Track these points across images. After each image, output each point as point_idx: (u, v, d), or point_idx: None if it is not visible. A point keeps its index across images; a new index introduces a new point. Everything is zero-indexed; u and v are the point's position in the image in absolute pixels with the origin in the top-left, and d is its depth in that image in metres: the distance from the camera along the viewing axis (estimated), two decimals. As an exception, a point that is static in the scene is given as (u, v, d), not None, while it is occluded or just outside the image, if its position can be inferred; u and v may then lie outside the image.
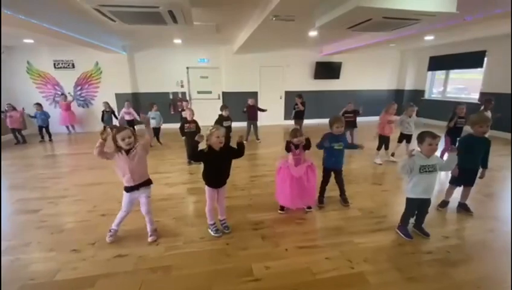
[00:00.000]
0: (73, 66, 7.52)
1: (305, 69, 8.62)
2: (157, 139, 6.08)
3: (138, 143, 2.29)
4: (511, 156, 4.73)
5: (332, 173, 3.05)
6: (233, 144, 2.48)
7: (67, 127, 7.61)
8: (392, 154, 4.74)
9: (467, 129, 2.99)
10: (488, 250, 2.29)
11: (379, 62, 8.98)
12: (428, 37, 5.88)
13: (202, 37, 6.25)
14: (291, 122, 6.70)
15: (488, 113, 4.55)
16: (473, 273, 2.01)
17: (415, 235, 2.47)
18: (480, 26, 4.83)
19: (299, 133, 2.68)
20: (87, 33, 5.00)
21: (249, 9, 4.03)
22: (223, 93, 8.43)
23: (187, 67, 8.15)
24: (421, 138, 2.28)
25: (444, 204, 3.00)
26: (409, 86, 9.20)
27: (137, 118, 6.89)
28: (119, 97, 7.66)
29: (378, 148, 4.68)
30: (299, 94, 6.47)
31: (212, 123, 4.76)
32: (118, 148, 2.19)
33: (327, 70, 8.63)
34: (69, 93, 7.52)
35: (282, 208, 2.91)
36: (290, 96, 8.32)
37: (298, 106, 6.30)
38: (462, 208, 2.92)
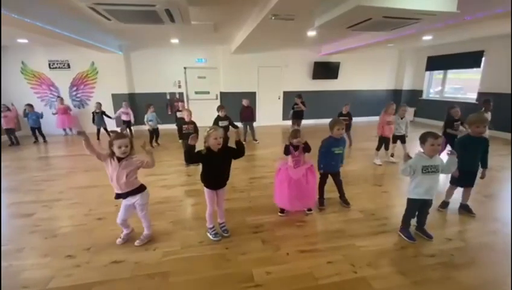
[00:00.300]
0: (68, 66, 7.41)
1: (303, 69, 8.58)
2: (156, 140, 6.03)
3: (137, 158, 2.21)
4: (511, 157, 4.71)
5: (330, 175, 3.02)
6: (231, 143, 2.42)
7: (64, 129, 7.50)
8: (392, 155, 4.73)
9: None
10: (492, 253, 2.25)
11: (377, 62, 8.97)
12: (427, 37, 5.87)
13: (200, 37, 6.18)
14: (290, 122, 6.66)
15: (488, 115, 4.55)
16: (478, 277, 1.97)
17: (418, 237, 2.43)
18: (478, 26, 4.83)
19: (299, 134, 2.63)
20: (82, 32, 4.92)
21: (248, 8, 3.97)
22: (221, 93, 8.36)
23: (184, 68, 8.08)
24: (423, 139, 2.26)
25: (444, 205, 2.98)
26: (407, 86, 9.20)
27: (132, 120, 6.82)
28: (116, 98, 7.57)
29: (378, 149, 4.65)
30: (299, 94, 6.43)
31: (211, 124, 4.76)
32: (112, 154, 2.13)
33: (325, 70, 8.61)
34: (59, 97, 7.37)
35: (282, 211, 2.86)
36: (288, 96, 8.28)
37: (299, 105, 6.26)
38: (464, 209, 2.90)
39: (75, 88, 7.63)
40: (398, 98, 8.68)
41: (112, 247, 2.33)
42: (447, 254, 2.21)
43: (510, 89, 6.25)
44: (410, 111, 8.60)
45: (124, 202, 2.28)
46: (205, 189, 2.38)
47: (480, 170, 2.77)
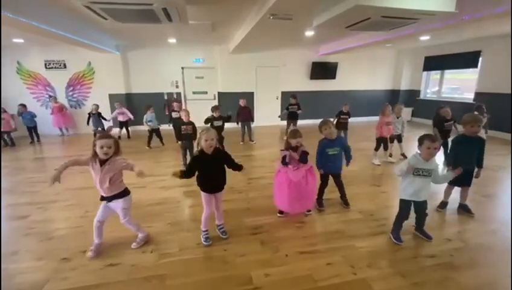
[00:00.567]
0: (65, 66, 7.34)
1: (301, 69, 8.56)
2: (160, 141, 6.02)
3: (122, 159, 2.10)
4: (511, 157, 4.73)
5: (331, 176, 3.00)
6: (226, 143, 2.39)
7: (61, 129, 7.44)
8: (390, 155, 4.74)
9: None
10: (491, 253, 2.24)
11: (375, 62, 8.98)
12: (424, 37, 5.88)
13: (197, 36, 6.14)
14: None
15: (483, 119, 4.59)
16: (477, 278, 1.96)
17: (418, 238, 2.42)
18: (475, 26, 4.85)
19: (299, 134, 2.60)
20: (78, 32, 4.86)
21: (246, 7, 3.95)
22: (219, 93, 8.32)
23: (182, 68, 8.03)
24: (420, 141, 2.26)
25: (443, 205, 2.98)
26: (404, 86, 9.22)
27: (132, 117, 6.78)
28: (113, 98, 7.50)
29: (376, 149, 4.65)
30: (294, 94, 6.35)
31: (208, 124, 4.70)
32: (95, 155, 2.03)
33: (323, 70, 8.60)
34: (52, 96, 7.30)
35: (281, 212, 2.83)
36: (286, 96, 8.22)
37: (293, 106, 6.19)
38: (463, 209, 2.90)
39: (71, 88, 7.55)
40: (395, 98, 8.71)
41: (107, 250, 2.29)
42: (447, 255, 2.20)
43: (507, 88, 6.27)
44: (407, 111, 8.62)
45: (105, 205, 2.19)
46: (202, 193, 2.33)
47: (476, 169, 2.78)
